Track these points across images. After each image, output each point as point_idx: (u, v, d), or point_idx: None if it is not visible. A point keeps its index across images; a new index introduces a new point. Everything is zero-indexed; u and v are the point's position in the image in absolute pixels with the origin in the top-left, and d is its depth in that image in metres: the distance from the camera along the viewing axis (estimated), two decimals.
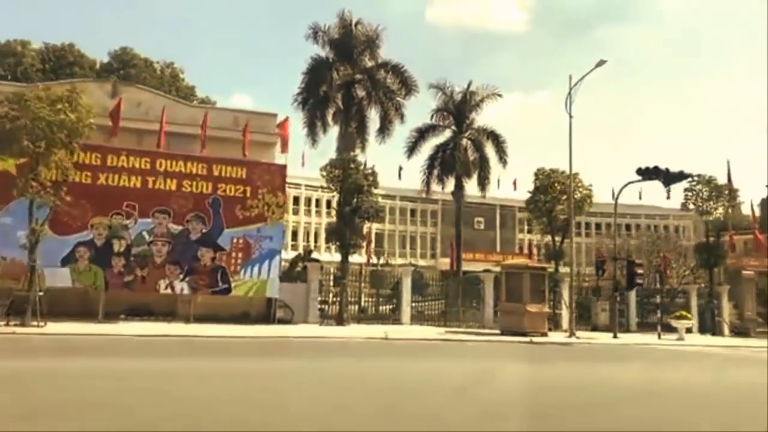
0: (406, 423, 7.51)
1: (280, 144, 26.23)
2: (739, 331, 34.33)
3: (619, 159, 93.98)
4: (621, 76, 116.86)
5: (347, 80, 36.71)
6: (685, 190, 33.40)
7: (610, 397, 10.17)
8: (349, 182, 25.53)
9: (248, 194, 24.01)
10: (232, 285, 23.58)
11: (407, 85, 37.44)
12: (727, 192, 33.24)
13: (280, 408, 8.18)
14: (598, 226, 64.22)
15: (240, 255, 23.76)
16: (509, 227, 66.01)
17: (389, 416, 7.81)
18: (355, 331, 23.00)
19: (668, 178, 24.33)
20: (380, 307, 30.91)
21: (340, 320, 25.05)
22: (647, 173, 24.59)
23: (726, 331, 34.13)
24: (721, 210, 33.54)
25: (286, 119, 26.32)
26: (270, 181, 24.28)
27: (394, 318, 28.56)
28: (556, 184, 30.56)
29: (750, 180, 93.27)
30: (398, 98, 37.79)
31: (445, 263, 52.67)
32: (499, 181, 60.61)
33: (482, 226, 64.17)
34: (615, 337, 26.54)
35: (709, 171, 36.81)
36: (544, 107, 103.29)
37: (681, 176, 24.37)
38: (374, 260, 42.30)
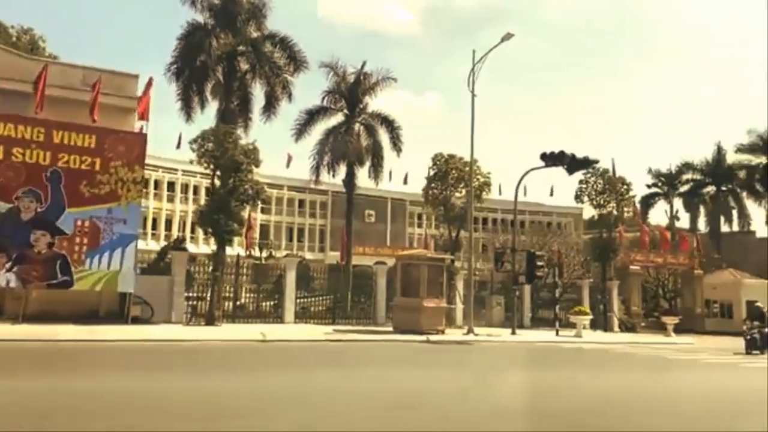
0: None
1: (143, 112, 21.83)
2: (627, 327, 33.78)
3: (511, 157, 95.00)
4: (510, 77, 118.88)
5: (229, 51, 32.52)
6: (580, 182, 32.28)
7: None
8: (226, 158, 21.66)
9: (98, 167, 19.57)
10: (75, 277, 19.09)
11: (296, 61, 33.77)
12: (621, 186, 32.40)
13: None
14: (485, 221, 63.52)
15: (86, 241, 19.30)
16: (400, 221, 63.87)
17: None
18: (226, 332, 19.28)
19: (573, 164, 22.51)
20: (262, 304, 27.30)
21: (210, 319, 21.20)
22: (552, 158, 22.66)
23: (616, 326, 33.43)
24: (613, 204, 32.66)
25: (150, 81, 22.00)
26: (126, 153, 19.95)
27: (276, 316, 25.04)
28: (453, 171, 28.22)
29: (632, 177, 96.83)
30: (286, 75, 34.08)
31: (334, 257, 49.48)
32: (390, 173, 58.26)
33: (373, 219, 61.58)
34: (513, 333, 24.55)
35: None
36: (434, 109, 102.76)
37: (587, 162, 22.65)
38: (256, 252, 38.28)
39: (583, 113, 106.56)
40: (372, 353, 16.49)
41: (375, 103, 38.21)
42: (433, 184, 29.26)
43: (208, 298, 22.04)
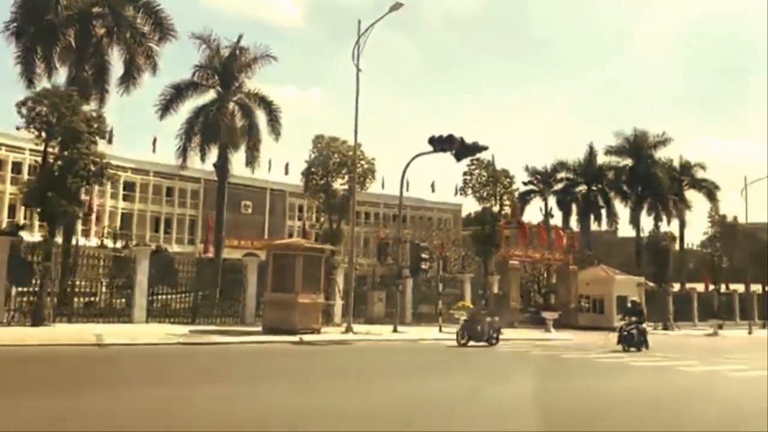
0: None
1: None
2: (506, 322, 33.04)
3: (397, 149, 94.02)
4: (393, 75, 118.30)
5: (83, 11, 28.17)
6: (464, 174, 31.05)
7: None
8: (62, 125, 17.86)
9: None
10: None
11: (162, 29, 29.90)
12: (504, 179, 31.51)
13: None
14: (368, 215, 61.85)
15: None
16: (280, 213, 60.54)
17: None
18: (54, 333, 15.69)
19: (462, 149, 20.84)
20: (116, 301, 23.52)
21: (37, 318, 17.37)
22: (440, 143, 20.87)
23: None
24: (497, 197, 31.72)
25: None
26: None
27: (127, 315, 21.43)
28: (336, 155, 25.82)
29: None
30: (150, 44, 30.13)
31: (207, 249, 45.45)
32: (270, 163, 54.93)
33: (250, 211, 57.83)
34: (395, 330, 22.59)
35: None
36: (319, 105, 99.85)
37: (476, 148, 21.05)
38: (111, 243, 33.86)
39: (468, 108, 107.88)
40: (224, 360, 13.74)
41: (253, 83, 34.80)
42: (313, 169, 26.67)
43: (50, 294, 18.12)
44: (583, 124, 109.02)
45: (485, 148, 21.33)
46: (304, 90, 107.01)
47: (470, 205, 34.32)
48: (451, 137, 20.87)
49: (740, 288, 48.89)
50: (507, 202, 32.24)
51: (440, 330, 24.04)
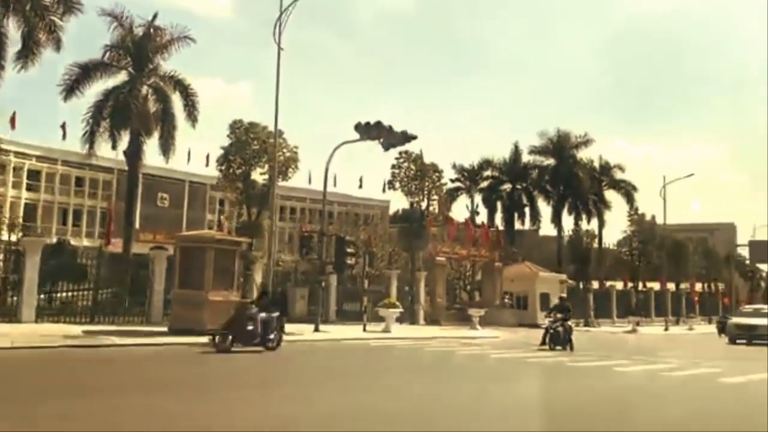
0: None
1: None
2: (432, 319, 32.13)
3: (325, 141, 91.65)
4: (324, 74, 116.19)
5: None
6: (392, 167, 29.84)
7: None
8: None
9: None
10: None
11: (67, 1, 27.12)
12: (433, 173, 30.49)
13: None
14: (293, 210, 59.88)
15: None
16: (199, 206, 57.57)
17: None
18: None
19: (390, 138, 19.58)
20: (9, 299, 20.88)
21: None
22: (366, 130, 19.52)
23: (422, 319, 31.61)
24: (425, 192, 30.67)
25: None
26: None
27: (14, 313, 18.93)
28: (255, 141, 23.94)
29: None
30: (53, 17, 27.25)
31: (118, 244, 42.30)
32: (189, 153, 52.11)
33: (167, 203, 54.69)
34: (317, 330, 21.05)
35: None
36: (247, 98, 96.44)
37: (404, 137, 19.82)
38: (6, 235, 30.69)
39: (397, 104, 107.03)
40: (103, 366, 11.88)
41: (173, 68, 32.31)
42: (230, 157, 24.67)
43: None
44: (509, 123, 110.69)
45: (414, 138, 20.12)
46: (231, 83, 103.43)
47: (398, 203, 33.15)
48: (378, 124, 19.56)
49: (656, 286, 50.22)
50: (435, 198, 31.20)
51: (365, 329, 22.70)
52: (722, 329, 31.88)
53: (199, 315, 17.72)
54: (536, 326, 35.08)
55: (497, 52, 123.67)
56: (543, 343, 18.83)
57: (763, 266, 73.86)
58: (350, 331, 22.19)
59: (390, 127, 19.60)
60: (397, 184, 29.96)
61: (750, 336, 25.22)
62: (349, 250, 21.24)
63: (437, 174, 30.67)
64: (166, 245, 28.96)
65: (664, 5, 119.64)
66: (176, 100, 31.99)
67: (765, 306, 33.82)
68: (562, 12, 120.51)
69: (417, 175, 30.06)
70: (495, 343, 21.90)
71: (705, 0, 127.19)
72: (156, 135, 31.89)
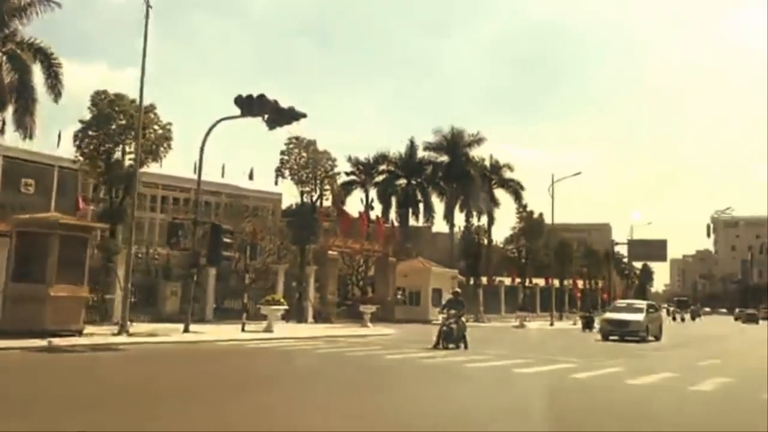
0: None
1: None
2: (322, 316, 30.05)
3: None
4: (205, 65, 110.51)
5: None
6: (282, 153, 27.41)
7: None
8: None
9: None
10: None
11: None
12: (326, 161, 28.33)
13: None
14: (176, 201, 55.62)
15: None
16: (70, 195, 51.82)
17: None
18: None
19: (276, 114, 17.24)
20: None
21: None
22: (248, 104, 17.07)
23: (311, 317, 29.45)
24: (317, 181, 28.46)
25: None
26: None
27: None
28: (120, 115, 20.72)
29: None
30: None
31: None
32: (60, 135, 46.62)
33: (32, 190, 48.67)
34: (187, 330, 18.35)
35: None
36: (132, 84, 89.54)
37: (293, 114, 17.49)
38: None
39: (291, 94, 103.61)
40: None
41: (30, 31, 28.03)
42: (92, 132, 21.27)
43: None
44: (405, 119, 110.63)
45: (303, 116, 17.89)
46: (118, 69, 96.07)
47: (293, 197, 30.62)
48: (262, 98, 17.18)
49: (542, 282, 50.94)
50: (328, 188, 29.05)
51: (243, 329, 20.22)
52: (587, 324, 31.56)
53: (39, 313, 14.73)
54: (428, 322, 34.18)
55: (395, 50, 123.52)
56: (438, 341, 17.26)
57: (637, 264, 78.06)
58: (227, 332, 19.64)
59: (275, 102, 17.29)
60: (287, 172, 27.55)
61: (622, 332, 23.86)
62: (226, 240, 18.65)
63: (330, 163, 28.52)
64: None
65: (549, 21, 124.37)
66: (37, 72, 27.97)
67: (638, 301, 33.71)
68: (460, 15, 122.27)
69: (309, 163, 27.78)
70: (386, 341, 20.18)
71: (587, 15, 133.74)
72: (11, 109, 27.71)
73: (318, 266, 31.06)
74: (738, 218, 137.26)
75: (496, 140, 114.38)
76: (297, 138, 26.93)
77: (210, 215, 20.30)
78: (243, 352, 15.24)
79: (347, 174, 50.32)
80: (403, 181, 52.68)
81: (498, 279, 47.00)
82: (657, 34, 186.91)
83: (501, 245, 61.01)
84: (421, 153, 53.29)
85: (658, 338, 25.28)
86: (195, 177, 44.89)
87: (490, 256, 52.94)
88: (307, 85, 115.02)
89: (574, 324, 40.68)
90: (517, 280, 48.18)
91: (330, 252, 32.58)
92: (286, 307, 21.83)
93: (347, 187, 49.34)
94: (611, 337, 23.86)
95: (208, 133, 19.06)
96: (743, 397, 10.08)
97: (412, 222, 53.09)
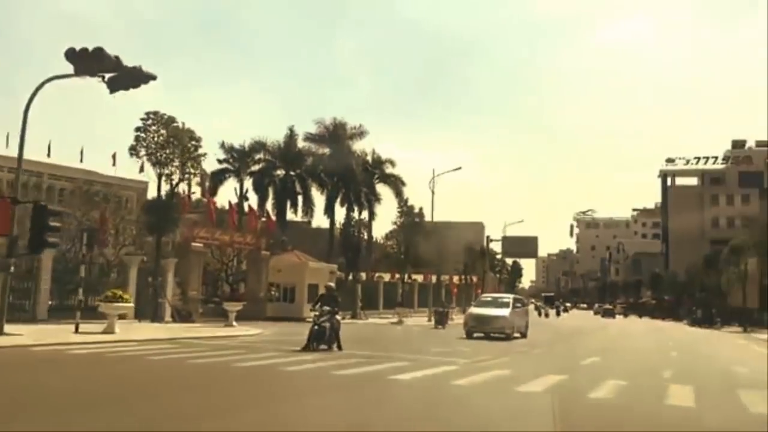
0: None
1: None
2: (182, 315, 26.83)
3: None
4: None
5: None
6: (137, 129, 23.92)
7: None
8: None
9: None
10: None
11: None
12: (189, 141, 25.14)
13: None
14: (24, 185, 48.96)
15: None
16: None
17: None
18: None
19: (120, 74, 14.20)
20: None
21: None
22: (83, 59, 13.91)
23: (168, 315, 26.16)
24: (177, 163, 25.21)
25: None
26: None
27: None
28: None
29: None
30: None
31: None
32: None
33: None
34: (1, 333, 14.86)
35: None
36: None
37: (140, 75, 14.37)
38: None
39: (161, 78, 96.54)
40: None
41: None
42: None
43: None
44: (286, 109, 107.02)
45: (153, 78, 14.94)
46: None
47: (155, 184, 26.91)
48: (100, 51, 14.11)
49: (420, 278, 50.26)
50: (192, 171, 25.84)
51: (77, 330, 16.88)
52: (440, 320, 30.20)
53: None
54: (303, 320, 32.02)
55: (278, 41, 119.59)
56: (308, 342, 15.07)
57: (508, 260, 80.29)
58: (56, 334, 16.25)
59: (117, 59, 14.25)
60: (143, 151, 24.08)
61: (487, 329, 22.04)
62: (54, 224, 15.30)
63: (194, 143, 25.33)
64: None
65: (437, 25, 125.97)
66: None
67: (505, 295, 31.63)
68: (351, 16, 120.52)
69: (169, 141, 24.48)
70: (250, 342, 17.65)
71: (472, 21, 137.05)
72: None
73: (179, 259, 27.77)
74: (598, 220, 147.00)
75: (380, 140, 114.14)
76: (155, 113, 23.60)
77: (16, 184, 16.69)
78: (50, 361, 12.12)
79: (220, 161, 46.78)
80: (281, 172, 49.92)
81: (377, 275, 45.55)
82: (538, 41, 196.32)
83: (382, 241, 60.03)
84: (301, 144, 50.95)
85: (524, 335, 23.85)
86: (46, 160, 40.01)
87: (371, 251, 51.60)
88: (191, 73, 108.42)
89: (452, 320, 39.73)
90: (397, 276, 47.01)
91: (194, 244, 29.32)
92: (130, 304, 18.64)
93: (220, 176, 45.85)
94: (476, 335, 22.06)
95: (33, 96, 15.59)
96: (651, 404, 8.83)
97: (291, 216, 50.56)
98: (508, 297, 26.13)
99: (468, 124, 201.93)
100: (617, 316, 73.99)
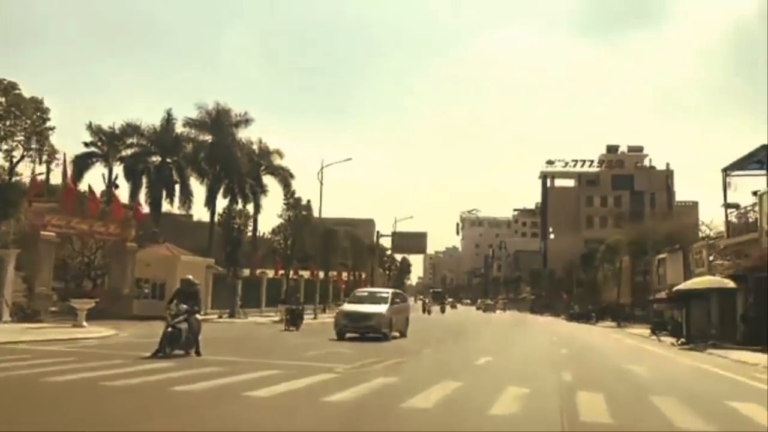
0: None
1: None
2: (28, 313, 22.90)
3: None
4: None
5: None
6: None
7: None
8: None
9: None
10: None
11: None
12: (34, 113, 21.28)
13: None
14: None
15: None
16: None
17: None
18: None
19: None
20: None
21: None
22: None
23: (7, 314, 22.15)
24: (22, 138, 21.30)
25: None
26: None
27: None
28: None
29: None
30: None
31: None
32: None
33: None
34: None
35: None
36: None
37: None
38: None
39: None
40: None
41: None
42: None
43: None
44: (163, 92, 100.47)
45: None
46: None
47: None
48: None
49: (307, 274, 48.00)
50: (37, 146, 21.95)
51: None
52: (292, 320, 25.13)
53: None
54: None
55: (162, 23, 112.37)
56: (161, 346, 12.43)
57: (397, 257, 79.74)
58: None
59: None
60: None
61: (361, 327, 19.42)
62: None
63: (40, 115, 21.48)
64: None
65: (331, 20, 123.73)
66: None
67: (383, 289, 28.50)
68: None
69: (10, 112, 20.55)
70: (94, 347, 14.65)
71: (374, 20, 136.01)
72: None
73: (23, 250, 23.73)
74: (482, 218, 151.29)
75: (270, 132, 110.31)
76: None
77: None
78: None
79: (87, 144, 42.15)
80: (156, 158, 45.71)
81: (260, 270, 42.66)
82: (428, 44, 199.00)
83: (269, 236, 56.99)
84: (181, 129, 46.94)
85: (404, 334, 21.56)
86: None
87: (256, 246, 48.66)
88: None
89: (315, 318, 36.61)
90: (281, 272, 44.34)
91: (44, 233, 25.30)
92: None
93: (85, 160, 41.15)
94: (348, 335, 19.44)
95: None
96: (569, 421, 7.23)
97: (168, 207, 46.43)
98: (387, 292, 23.35)
99: (363, 123, 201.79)
100: (497, 311, 75.75)
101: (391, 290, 24.54)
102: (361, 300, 21.39)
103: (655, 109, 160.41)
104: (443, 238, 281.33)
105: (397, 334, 20.78)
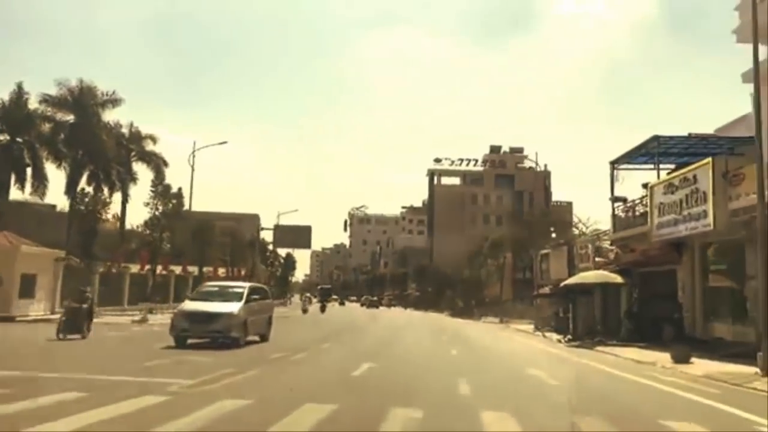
0: None
1: None
2: None
3: None
4: None
5: None
6: None
7: None
8: None
9: None
10: None
11: None
12: None
13: None
14: None
15: None
16: None
17: None
18: None
19: None
20: None
21: None
22: None
23: None
24: None
25: None
26: None
27: None
28: None
29: None
30: None
31: None
32: None
33: None
34: None
35: None
36: None
37: None
38: None
39: None
40: None
41: None
42: None
43: None
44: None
45: None
46: None
47: None
48: None
49: (179, 269, 43.93)
50: None
51: None
52: (73, 324, 17.37)
53: None
54: (12, 319, 24.73)
55: None
56: None
57: (282, 252, 76.49)
58: None
59: None
60: None
61: (208, 332, 15.60)
62: None
63: None
64: None
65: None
66: None
67: (237, 283, 23.30)
68: None
69: None
70: None
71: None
72: None
73: None
74: (371, 216, 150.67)
75: (147, 121, 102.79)
76: None
77: None
78: None
79: None
80: (5, 137, 39.70)
81: (124, 265, 38.13)
82: (320, 43, 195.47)
83: (141, 228, 51.87)
84: (35, 106, 41.05)
85: (265, 337, 17.88)
86: None
87: (123, 237, 43.85)
88: None
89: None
90: (147, 267, 40.00)
91: None
92: None
93: None
94: (191, 340, 15.39)
95: None
96: None
97: (18, 194, 40.48)
98: (242, 286, 18.79)
99: (250, 117, 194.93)
100: (381, 308, 74.94)
101: (248, 284, 19.84)
102: (207, 296, 17.18)
103: (543, 112, 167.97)
104: (331, 234, 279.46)
105: (256, 337, 17.21)
